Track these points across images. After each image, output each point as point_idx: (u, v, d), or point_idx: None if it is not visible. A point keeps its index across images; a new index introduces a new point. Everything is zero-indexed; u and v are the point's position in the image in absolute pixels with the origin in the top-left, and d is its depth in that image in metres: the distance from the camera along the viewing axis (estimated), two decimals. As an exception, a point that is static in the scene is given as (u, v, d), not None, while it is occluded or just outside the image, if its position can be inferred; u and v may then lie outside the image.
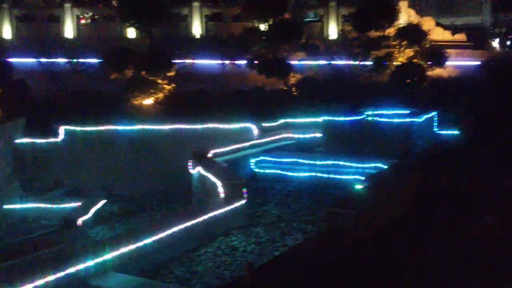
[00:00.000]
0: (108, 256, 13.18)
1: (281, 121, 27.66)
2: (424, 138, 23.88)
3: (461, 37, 34.83)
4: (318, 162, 22.19)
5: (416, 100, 27.85)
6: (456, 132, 24.54)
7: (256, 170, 23.07)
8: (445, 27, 36.55)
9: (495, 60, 30.62)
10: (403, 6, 33.43)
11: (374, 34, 31.73)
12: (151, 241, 14.27)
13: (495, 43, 41.59)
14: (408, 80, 29.76)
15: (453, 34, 35.08)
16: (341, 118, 24.00)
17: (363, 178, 19.64)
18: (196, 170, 20.55)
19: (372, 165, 20.86)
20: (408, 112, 24.74)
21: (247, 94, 30.72)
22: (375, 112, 25.56)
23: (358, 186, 17.09)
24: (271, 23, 32.37)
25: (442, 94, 28.26)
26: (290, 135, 26.72)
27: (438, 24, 36.12)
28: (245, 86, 31.66)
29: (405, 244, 13.30)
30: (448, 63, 30.89)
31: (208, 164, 19.72)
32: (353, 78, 31.04)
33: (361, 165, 21.12)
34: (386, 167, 20.15)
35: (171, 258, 14.92)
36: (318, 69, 32.30)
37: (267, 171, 22.95)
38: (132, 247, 13.80)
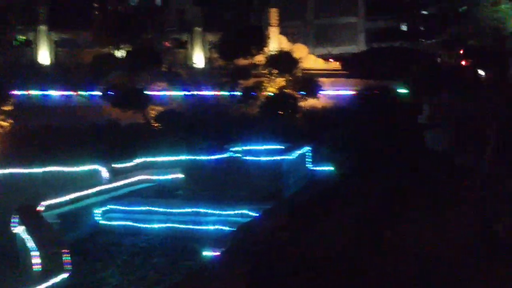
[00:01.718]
0: None
1: (138, 160, 24.68)
2: (297, 177, 21.79)
3: (335, 65, 33.83)
4: (175, 210, 19.39)
5: (289, 134, 25.91)
6: (331, 168, 22.73)
7: (103, 222, 19.87)
8: (323, 57, 35.79)
9: (369, 89, 29.45)
10: (273, 32, 31.81)
11: (243, 62, 29.72)
12: None
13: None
14: (281, 112, 27.85)
15: (326, 62, 34.01)
16: (203, 157, 21.34)
17: (227, 228, 17.17)
18: (20, 230, 16.89)
19: (238, 212, 18.38)
20: (280, 148, 22.68)
21: (99, 130, 27.32)
22: (244, 148, 23.34)
23: (207, 253, 14.03)
24: (128, 49, 29.46)
25: (316, 127, 26.50)
26: (148, 177, 23.89)
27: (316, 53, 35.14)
28: (101, 120, 28.29)
29: None
30: (322, 92, 29.45)
31: (31, 222, 16.18)
32: (221, 111, 28.65)
33: (225, 213, 18.57)
34: (254, 214, 17.72)
35: None
36: (183, 101, 29.65)
37: (115, 223, 19.79)
38: None
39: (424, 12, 50.12)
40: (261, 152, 22.61)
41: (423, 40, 46.51)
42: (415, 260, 11.52)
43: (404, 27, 51.18)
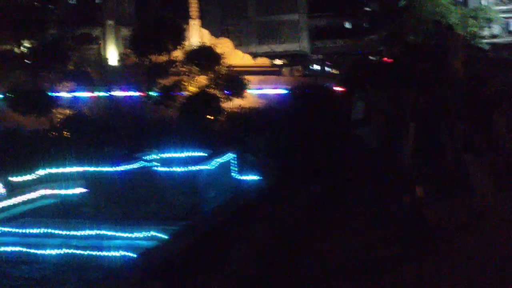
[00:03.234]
0: None
1: (41, 172, 22.23)
2: (220, 189, 19.92)
3: (263, 61, 32.27)
4: (76, 233, 17.11)
5: (213, 139, 24.04)
6: (257, 177, 20.98)
7: (-11, 248, 17.36)
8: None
9: (301, 87, 27.79)
10: (194, 26, 29.81)
11: (161, 58, 27.61)
12: None
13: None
14: (206, 115, 25.91)
15: (255, 58, 32.35)
16: (106, 169, 19.21)
17: (133, 255, 15.11)
18: None
19: (147, 234, 16.31)
20: (203, 155, 20.82)
21: (-1, 138, 24.72)
22: (161, 157, 21.38)
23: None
24: (30, 45, 26.93)
25: (243, 130, 24.70)
26: (52, 191, 21.50)
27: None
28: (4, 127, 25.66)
29: None
30: (250, 92, 27.71)
31: None
32: (137, 114, 26.46)
33: (131, 235, 16.47)
34: (164, 236, 15.72)
35: None
36: (94, 103, 27.31)
37: (6, 249, 17.33)
38: None
39: (367, 9, 50.11)
40: (179, 160, 20.70)
41: (365, 37, 46.32)
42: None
43: (348, 25, 51.54)
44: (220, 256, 11.68)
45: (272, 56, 41.76)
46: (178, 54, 27.51)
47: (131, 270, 11.47)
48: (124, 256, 15.79)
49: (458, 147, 15.45)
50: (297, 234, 14.09)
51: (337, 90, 28.18)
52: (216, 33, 35.23)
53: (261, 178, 21.00)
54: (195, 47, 27.31)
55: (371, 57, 39.75)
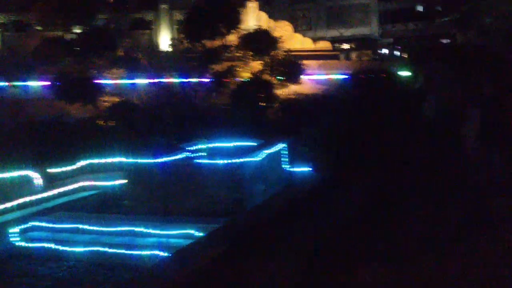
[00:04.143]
0: None
1: (83, 163, 21.45)
2: (268, 182, 18.46)
3: (324, 45, 30.32)
4: (108, 229, 16.10)
5: (264, 128, 22.59)
6: (309, 169, 19.41)
7: (20, 244, 16.59)
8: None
9: (365, 72, 25.83)
10: (251, 8, 28.29)
11: (214, 43, 26.28)
12: None
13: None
14: (258, 102, 24.41)
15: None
16: (147, 160, 18.07)
17: (165, 254, 13.95)
18: None
19: (182, 231, 15.10)
20: (252, 145, 19.43)
21: (40, 128, 23.96)
22: (209, 147, 20.19)
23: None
24: (80, 31, 26.19)
25: (297, 119, 23.06)
26: (92, 183, 20.75)
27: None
28: (45, 116, 24.93)
29: None
30: (308, 77, 26.03)
31: None
32: (187, 101, 25.25)
33: (165, 232, 15.27)
34: (200, 234, 14.44)
35: None
36: (143, 91, 26.24)
37: (35, 245, 16.54)
38: None
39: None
40: (226, 151, 19.45)
41: (437, 20, 43.97)
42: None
43: (419, 7, 49.41)
44: (258, 264, 10.18)
45: (340, 40, 41.00)
46: (233, 38, 26.09)
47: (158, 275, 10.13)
48: (154, 255, 14.67)
49: None
50: (349, 237, 12.49)
51: (403, 75, 26.12)
52: (278, 16, 33.81)
53: (314, 170, 19.42)
54: (250, 31, 25.76)
55: (443, 41, 37.56)
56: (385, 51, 41.51)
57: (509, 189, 13.59)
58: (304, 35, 32.12)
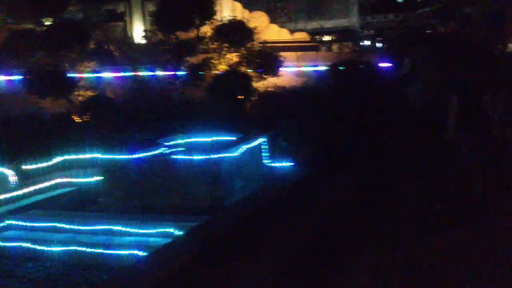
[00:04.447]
0: None
1: (58, 159, 21.01)
2: (247, 178, 18.27)
3: (302, 36, 30.08)
4: (85, 228, 15.76)
5: (243, 121, 22.35)
6: (290, 164, 19.22)
7: (-5, 244, 16.17)
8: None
9: (346, 63, 25.63)
10: (225, -2, 28.04)
11: (189, 35, 25.95)
12: None
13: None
14: (236, 95, 24.16)
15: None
16: (123, 156, 17.75)
17: (144, 253, 13.66)
18: None
19: (159, 230, 14.80)
20: (231, 139, 19.22)
21: (15, 123, 23.49)
22: (185, 142, 19.95)
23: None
24: (50, 23, 25.65)
25: (278, 112, 22.84)
26: (68, 179, 20.38)
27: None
28: (22, 111, 24.43)
29: None
30: (286, 69, 25.83)
31: None
32: (163, 95, 24.89)
33: (142, 231, 14.99)
34: (179, 233, 14.20)
35: None
36: (117, 84, 25.82)
37: (12, 244, 16.13)
38: None
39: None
40: (204, 146, 19.23)
41: (417, 11, 44.27)
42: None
43: None
44: (238, 264, 9.99)
45: (321, 32, 41.08)
46: (207, 29, 25.76)
47: (136, 275, 9.86)
48: (132, 254, 14.40)
49: (502, 121, 14.48)
50: (334, 235, 12.37)
51: (384, 66, 26.06)
52: (254, 7, 33.55)
53: (296, 165, 19.24)
54: (225, 22, 25.46)
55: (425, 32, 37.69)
56: (367, 42, 41.76)
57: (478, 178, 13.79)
58: (284, 27, 31.99)
